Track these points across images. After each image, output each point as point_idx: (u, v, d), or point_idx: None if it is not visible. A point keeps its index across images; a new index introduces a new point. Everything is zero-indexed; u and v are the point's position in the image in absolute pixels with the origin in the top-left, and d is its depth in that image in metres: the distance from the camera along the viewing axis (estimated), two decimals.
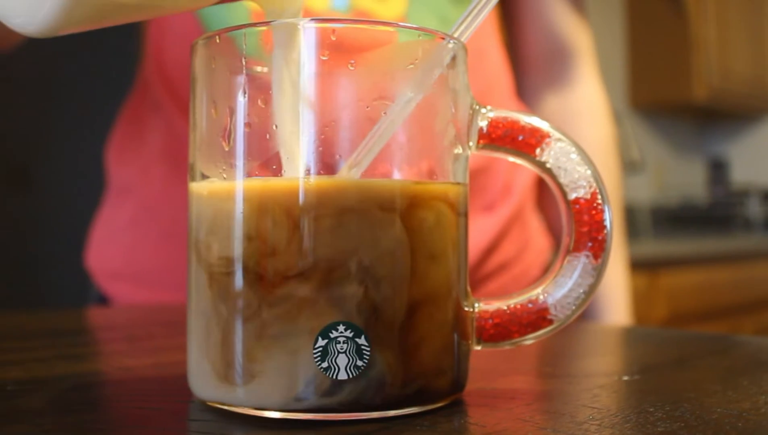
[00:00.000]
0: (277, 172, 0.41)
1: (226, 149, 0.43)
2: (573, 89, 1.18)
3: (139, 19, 0.54)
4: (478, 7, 0.47)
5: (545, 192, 1.19)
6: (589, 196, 0.46)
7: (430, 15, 0.98)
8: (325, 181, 0.41)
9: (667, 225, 4.85)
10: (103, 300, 1.07)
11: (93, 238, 1.10)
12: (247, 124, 0.42)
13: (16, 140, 4.46)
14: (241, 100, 0.43)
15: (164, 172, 1.04)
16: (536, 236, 1.15)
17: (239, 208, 0.42)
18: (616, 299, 1.14)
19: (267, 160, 0.42)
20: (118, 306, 1.04)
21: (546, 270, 1.16)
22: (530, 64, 1.20)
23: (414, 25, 0.44)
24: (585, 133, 1.15)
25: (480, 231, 1.00)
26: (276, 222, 0.41)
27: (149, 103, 1.07)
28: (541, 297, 0.47)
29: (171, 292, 1.01)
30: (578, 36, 1.19)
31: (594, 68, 1.21)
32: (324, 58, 0.42)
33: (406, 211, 0.42)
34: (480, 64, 1.01)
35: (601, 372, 0.56)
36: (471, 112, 0.47)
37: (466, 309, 0.46)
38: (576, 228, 0.47)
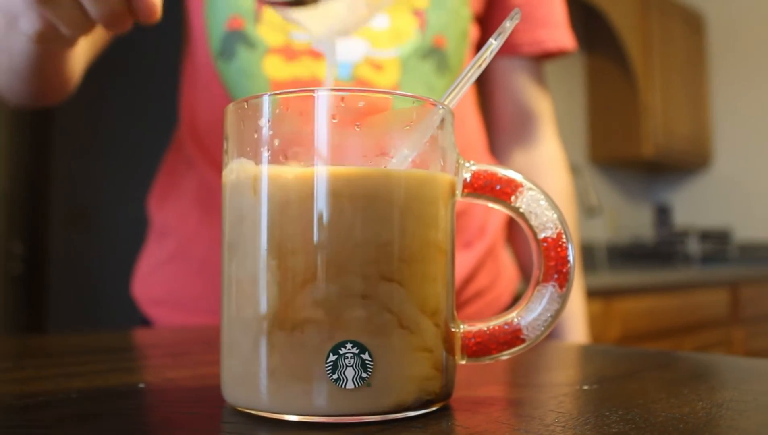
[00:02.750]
0: None
1: (253, 197, 0.43)
2: (537, 147, 1.19)
3: None
4: (464, 79, 0.47)
5: (514, 231, 1.20)
6: (555, 236, 0.47)
7: (419, 84, 0.99)
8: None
9: (620, 260, 4.84)
10: (145, 323, 1.07)
11: (138, 271, 1.12)
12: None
13: (79, 188, 4.47)
14: (265, 155, 0.43)
15: (198, 216, 1.05)
16: (506, 268, 1.16)
17: (264, 244, 0.42)
18: (577, 322, 1.14)
19: None
20: (161, 328, 1.04)
21: (515, 297, 1.17)
22: (501, 126, 1.21)
23: (410, 94, 0.45)
24: (548, 183, 1.16)
25: (459, 265, 1.00)
26: (293, 260, 0.41)
27: (183, 159, 1.08)
28: (516, 320, 0.47)
29: (203, 316, 1.02)
30: (540, 103, 1.20)
31: (554, 129, 1.23)
32: (335, 121, 0.42)
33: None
34: (460, 126, 1.01)
35: (565, 382, 0.56)
36: (457, 165, 0.47)
37: (453, 330, 0.46)
38: (544, 262, 0.47)
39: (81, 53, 0.93)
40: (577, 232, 1.20)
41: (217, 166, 1.01)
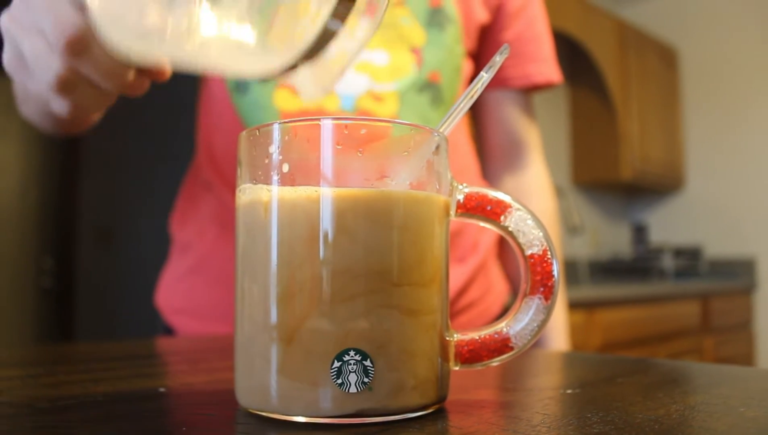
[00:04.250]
0: None
1: (264, 217, 0.43)
2: (525, 173, 1.20)
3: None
4: (457, 109, 0.48)
5: (504, 249, 1.20)
6: (541, 253, 0.47)
7: (415, 115, 1.00)
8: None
9: (601, 274, 4.84)
10: (168, 331, 1.08)
11: (161, 283, 1.13)
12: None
13: (104, 208, 4.47)
14: (275, 178, 0.43)
15: (215, 233, 1.06)
16: (497, 282, 1.16)
17: (274, 261, 0.42)
18: (559, 333, 1.14)
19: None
20: (179, 337, 1.04)
21: (504, 308, 1.17)
22: (492, 153, 1.22)
23: (408, 122, 0.45)
24: (535, 205, 1.17)
25: (454, 278, 1.00)
26: (301, 275, 0.41)
27: (201, 183, 1.09)
28: (505, 329, 0.48)
29: (220, 324, 1.03)
30: (528, 132, 1.21)
31: (541, 156, 1.23)
32: (339, 147, 0.42)
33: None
34: (453, 153, 1.02)
35: (550, 387, 0.56)
36: (451, 188, 0.47)
37: (448, 338, 0.47)
38: (531, 277, 0.47)
39: None
40: (561, 249, 1.21)
41: (232, 188, 1.02)
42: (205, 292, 1.06)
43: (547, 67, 1.19)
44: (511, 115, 1.19)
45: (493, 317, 1.12)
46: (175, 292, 1.10)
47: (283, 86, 0.98)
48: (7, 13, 0.63)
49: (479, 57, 1.16)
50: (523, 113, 1.20)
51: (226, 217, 1.05)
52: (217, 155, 1.05)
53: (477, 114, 1.22)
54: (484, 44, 1.16)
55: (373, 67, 1.01)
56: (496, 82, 1.18)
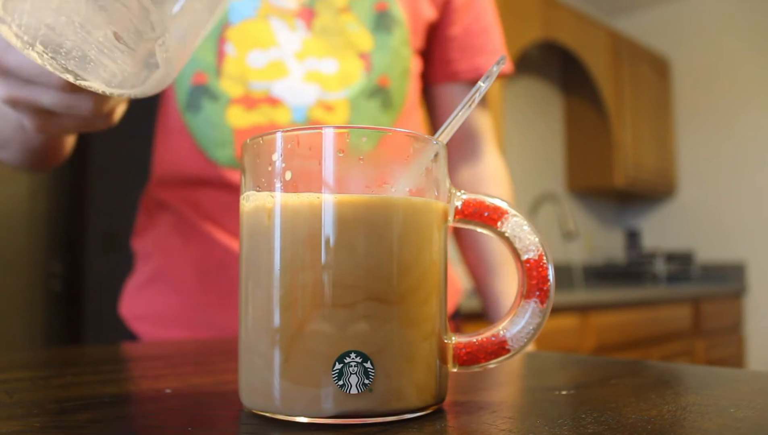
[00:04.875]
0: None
1: (267, 223, 0.43)
2: (480, 161, 1.18)
3: None
4: (455, 119, 0.48)
5: (462, 237, 1.19)
6: (537, 257, 0.47)
7: (367, 121, 1.00)
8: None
9: (595, 279, 4.84)
10: (132, 338, 1.08)
11: (124, 293, 1.13)
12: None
13: (112, 214, 4.47)
14: (278, 185, 0.43)
15: (173, 244, 1.06)
16: (451, 283, 1.15)
17: (276, 273, 0.42)
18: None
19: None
20: (186, 340, 1.04)
21: (457, 309, 1.17)
22: (448, 145, 1.19)
23: (408, 131, 0.45)
24: (491, 193, 1.14)
25: None
26: (303, 279, 0.41)
27: (154, 203, 1.10)
28: (502, 332, 0.48)
29: (181, 331, 1.03)
30: (481, 122, 1.20)
31: (495, 145, 1.22)
32: (340, 155, 0.42)
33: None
34: None
35: (545, 388, 0.56)
36: (449, 194, 0.47)
37: (446, 341, 0.47)
38: (527, 281, 0.47)
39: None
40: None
41: (189, 203, 1.03)
42: (164, 299, 1.06)
43: (495, 59, 1.17)
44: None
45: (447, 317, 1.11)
46: (137, 301, 1.10)
47: (235, 103, 0.98)
48: None
49: (429, 54, 1.16)
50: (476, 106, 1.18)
51: (183, 228, 1.04)
52: (170, 174, 1.05)
53: (431, 108, 1.21)
54: (433, 41, 1.16)
55: (323, 76, 1.00)
56: (447, 77, 1.17)
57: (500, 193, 1.17)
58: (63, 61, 0.53)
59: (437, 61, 1.17)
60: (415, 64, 1.10)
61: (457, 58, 1.16)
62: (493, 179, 1.18)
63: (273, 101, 0.98)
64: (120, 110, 0.69)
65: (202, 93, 1.00)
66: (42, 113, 0.62)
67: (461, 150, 1.19)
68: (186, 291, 1.04)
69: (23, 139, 0.84)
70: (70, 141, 0.92)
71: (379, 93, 1.02)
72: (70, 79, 0.54)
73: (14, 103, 0.61)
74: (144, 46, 0.54)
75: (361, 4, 1.04)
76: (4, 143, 0.86)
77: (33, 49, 0.53)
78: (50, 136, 0.83)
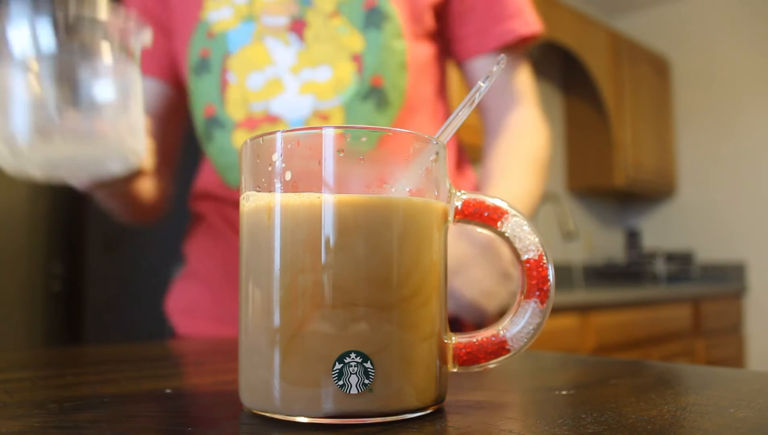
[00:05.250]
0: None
1: (267, 222, 0.43)
2: (519, 112, 1.14)
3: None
4: (456, 118, 0.48)
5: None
6: (537, 257, 0.47)
7: (362, 124, 0.99)
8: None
9: (595, 279, 4.84)
10: (132, 337, 1.18)
11: (170, 289, 1.23)
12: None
13: (108, 216, 4.47)
14: (278, 185, 0.43)
15: (205, 247, 1.17)
16: None
17: (277, 267, 0.42)
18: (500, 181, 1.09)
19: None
20: (185, 340, 1.05)
21: None
22: (491, 112, 1.15)
23: (408, 131, 0.45)
24: (527, 137, 1.12)
25: None
26: (303, 279, 0.41)
27: (193, 212, 1.21)
28: (501, 332, 0.48)
29: (210, 322, 1.13)
30: (520, 84, 1.16)
31: (534, 101, 1.18)
32: (341, 154, 0.42)
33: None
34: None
35: (545, 388, 0.56)
36: (449, 194, 0.47)
37: (446, 341, 0.47)
38: (527, 281, 0.47)
39: (149, 185, 1.07)
40: (540, 183, 1.10)
41: (216, 214, 1.13)
42: (197, 293, 1.16)
43: (518, 22, 1.13)
44: (508, 76, 1.15)
45: None
46: (175, 295, 1.20)
47: (239, 126, 1.01)
48: None
49: (445, 32, 1.14)
50: (512, 69, 1.15)
51: (212, 234, 1.14)
52: (201, 189, 1.15)
53: (470, 83, 1.17)
54: (447, 17, 1.13)
55: (317, 85, 1.00)
56: (476, 49, 1.13)
57: (534, 140, 1.13)
58: None
59: (460, 36, 1.14)
60: (420, 53, 1.07)
61: (479, 28, 1.12)
62: (528, 126, 1.14)
63: (272, 119, 0.99)
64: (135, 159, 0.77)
65: (212, 124, 1.04)
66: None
67: (505, 113, 1.15)
68: (214, 287, 1.12)
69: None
70: (151, 194, 1.08)
71: (373, 93, 1.01)
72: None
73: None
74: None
75: (350, 4, 1.02)
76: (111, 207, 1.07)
77: None
78: (116, 199, 1.02)
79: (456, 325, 1.00)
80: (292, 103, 0.99)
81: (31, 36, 0.64)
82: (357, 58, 1.01)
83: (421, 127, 1.07)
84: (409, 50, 1.05)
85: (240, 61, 1.02)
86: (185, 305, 1.17)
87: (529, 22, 1.13)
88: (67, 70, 0.66)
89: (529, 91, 1.18)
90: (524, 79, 1.17)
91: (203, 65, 1.04)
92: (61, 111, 0.65)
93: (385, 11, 1.03)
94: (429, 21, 1.08)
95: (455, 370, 0.48)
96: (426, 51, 1.09)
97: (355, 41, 1.02)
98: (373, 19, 1.02)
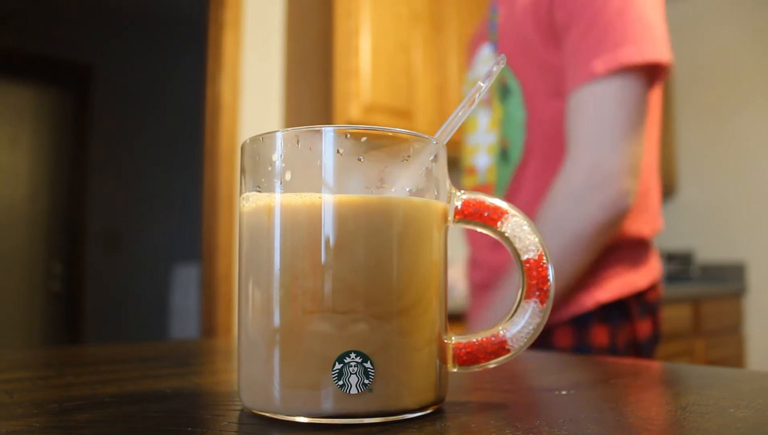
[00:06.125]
0: None
1: (267, 223, 0.43)
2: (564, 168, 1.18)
3: None
4: (455, 118, 0.48)
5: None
6: (536, 257, 0.47)
7: (499, 178, 1.24)
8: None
9: None
10: (131, 337, 1.16)
11: None
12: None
13: (112, 214, 4.48)
14: (278, 185, 0.43)
15: None
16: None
17: (277, 265, 0.42)
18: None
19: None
20: (185, 339, 1.05)
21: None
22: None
23: (406, 131, 0.45)
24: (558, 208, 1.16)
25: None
26: (303, 279, 0.41)
27: None
28: (501, 332, 0.48)
29: None
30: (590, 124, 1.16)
31: (601, 147, 1.17)
32: (340, 154, 0.42)
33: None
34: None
35: (545, 388, 0.56)
36: (449, 194, 0.47)
37: (446, 341, 0.47)
38: (527, 281, 0.47)
39: None
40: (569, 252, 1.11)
41: None
42: None
43: (627, 49, 1.15)
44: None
45: None
46: None
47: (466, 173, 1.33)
48: None
49: (563, 64, 1.16)
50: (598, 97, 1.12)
51: None
52: None
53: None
54: (562, 49, 1.16)
55: (491, 146, 1.28)
56: (582, 78, 1.10)
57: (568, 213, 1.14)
58: None
59: (568, 67, 1.14)
60: (542, 111, 1.20)
61: (584, 60, 1.11)
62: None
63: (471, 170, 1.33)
64: None
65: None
66: None
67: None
68: None
69: None
70: None
71: (503, 154, 1.24)
72: None
73: None
74: None
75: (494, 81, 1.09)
76: None
77: None
78: None
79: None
80: (482, 157, 1.30)
81: None
82: (498, 124, 1.26)
83: (537, 174, 1.21)
84: (532, 112, 1.21)
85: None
86: None
87: (624, 54, 1.17)
88: None
89: (596, 133, 1.11)
90: (596, 115, 1.11)
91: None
92: None
93: (510, 87, 1.23)
94: (550, 55, 1.17)
95: (455, 370, 0.48)
96: (547, 109, 1.19)
97: (498, 111, 1.26)
98: (504, 93, 1.24)
